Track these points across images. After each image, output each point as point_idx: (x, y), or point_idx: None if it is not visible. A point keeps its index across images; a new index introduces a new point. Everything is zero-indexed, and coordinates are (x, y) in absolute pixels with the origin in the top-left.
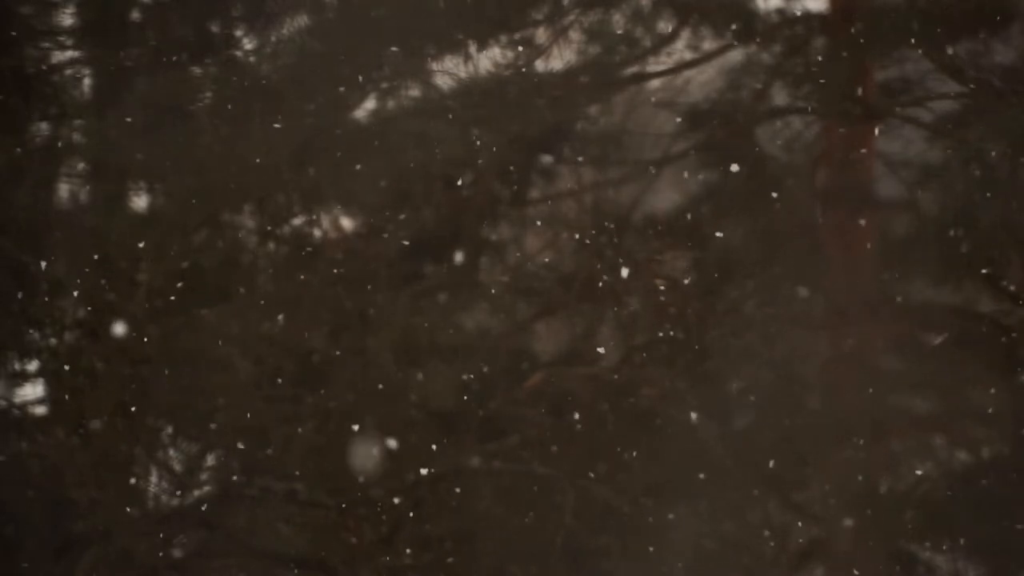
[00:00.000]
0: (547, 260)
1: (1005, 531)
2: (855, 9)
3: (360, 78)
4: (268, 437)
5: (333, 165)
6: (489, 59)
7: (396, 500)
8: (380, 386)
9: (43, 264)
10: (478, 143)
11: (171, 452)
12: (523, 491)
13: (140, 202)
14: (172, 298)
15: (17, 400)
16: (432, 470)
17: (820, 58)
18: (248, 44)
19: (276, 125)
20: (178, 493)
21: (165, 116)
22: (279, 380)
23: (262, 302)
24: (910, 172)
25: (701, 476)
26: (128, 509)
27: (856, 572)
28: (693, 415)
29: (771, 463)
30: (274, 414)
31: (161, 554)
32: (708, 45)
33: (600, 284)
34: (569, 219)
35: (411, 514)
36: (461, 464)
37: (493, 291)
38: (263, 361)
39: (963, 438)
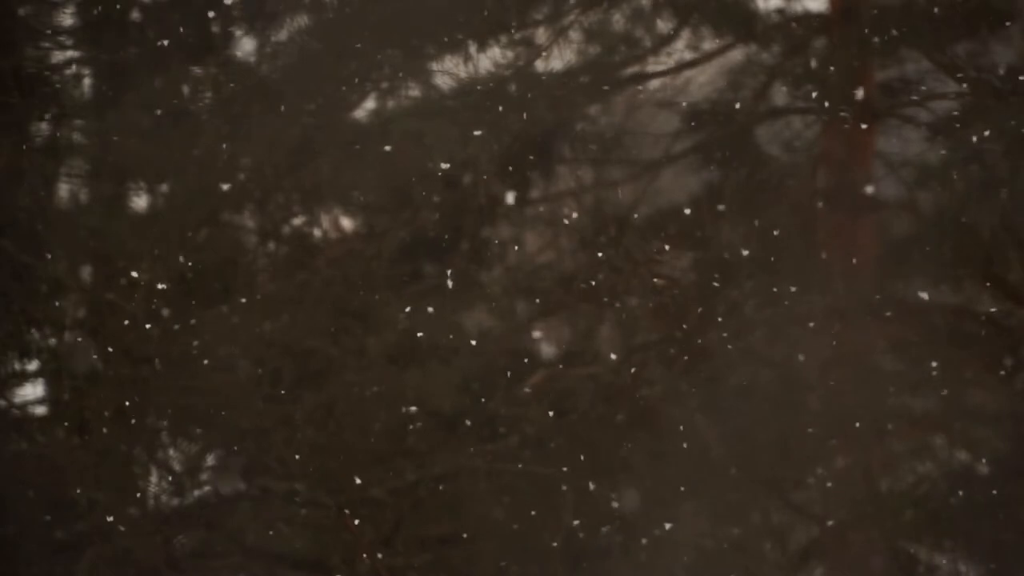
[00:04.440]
0: (547, 260)
1: (1005, 531)
2: (855, 9)
3: (360, 78)
4: (268, 437)
5: (333, 165)
6: (489, 59)
7: (396, 500)
8: (379, 386)
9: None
10: (478, 143)
11: (171, 452)
12: (523, 491)
13: (140, 202)
14: (172, 298)
15: (17, 400)
16: (432, 470)
17: (820, 58)
18: (248, 44)
19: (276, 125)
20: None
21: (165, 116)
22: (279, 380)
23: (262, 302)
24: (910, 172)
25: (701, 476)
26: (128, 509)
27: (856, 572)
28: (693, 415)
29: (771, 463)
30: (274, 414)
31: (161, 554)
32: (708, 45)
33: (600, 284)
34: (569, 219)
35: (411, 514)
36: (461, 464)
37: (493, 291)
38: (263, 361)
39: (963, 438)
